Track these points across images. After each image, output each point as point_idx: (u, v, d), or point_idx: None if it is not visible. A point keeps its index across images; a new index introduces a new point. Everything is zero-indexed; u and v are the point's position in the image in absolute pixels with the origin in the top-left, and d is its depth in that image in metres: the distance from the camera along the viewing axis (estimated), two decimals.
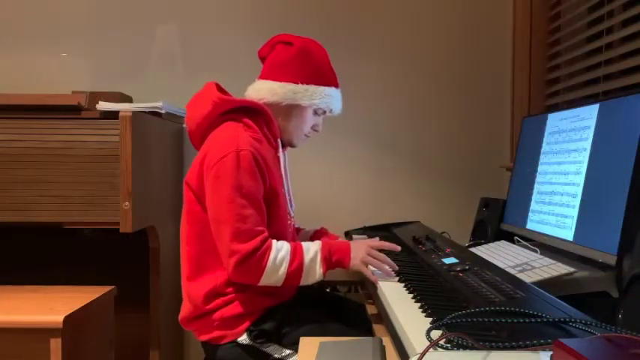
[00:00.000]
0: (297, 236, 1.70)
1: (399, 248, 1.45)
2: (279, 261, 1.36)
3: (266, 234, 1.38)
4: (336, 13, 2.33)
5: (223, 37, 2.33)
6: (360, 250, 1.40)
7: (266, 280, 1.36)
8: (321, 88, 1.51)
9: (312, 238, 1.72)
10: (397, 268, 1.36)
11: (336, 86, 1.57)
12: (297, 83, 1.49)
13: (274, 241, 1.38)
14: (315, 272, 1.39)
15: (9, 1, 2.33)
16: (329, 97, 1.53)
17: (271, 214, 1.44)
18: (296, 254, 1.38)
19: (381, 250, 1.41)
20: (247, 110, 1.48)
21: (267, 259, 1.35)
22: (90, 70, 2.33)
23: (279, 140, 1.54)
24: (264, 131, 1.49)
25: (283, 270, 1.36)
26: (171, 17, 2.34)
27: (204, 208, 1.42)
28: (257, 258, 1.34)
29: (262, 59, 1.59)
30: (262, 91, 1.51)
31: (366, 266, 1.37)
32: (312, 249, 1.41)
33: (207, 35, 2.33)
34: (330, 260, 1.40)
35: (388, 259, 1.37)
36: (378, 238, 1.52)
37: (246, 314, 1.41)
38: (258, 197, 1.39)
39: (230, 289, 1.42)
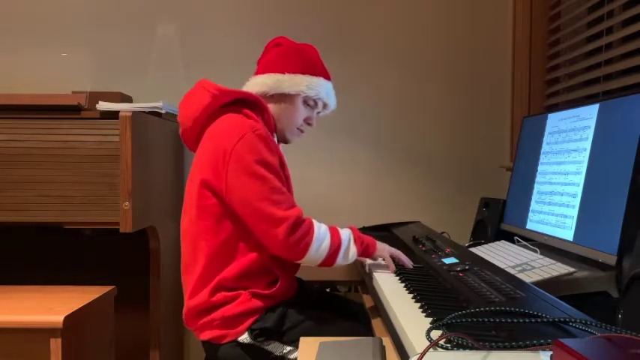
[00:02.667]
0: None
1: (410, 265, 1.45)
2: (322, 234, 1.38)
3: None
4: (336, 14, 2.33)
5: (223, 38, 2.33)
6: (384, 244, 1.49)
7: (312, 254, 1.36)
8: (308, 77, 1.52)
9: None
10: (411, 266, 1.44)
11: (326, 78, 1.57)
12: (283, 73, 1.51)
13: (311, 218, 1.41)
14: (350, 250, 1.42)
15: (9, 1, 2.33)
16: (317, 87, 1.53)
17: None
18: (334, 229, 1.41)
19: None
20: (244, 102, 1.48)
21: (314, 229, 1.36)
22: (90, 70, 2.33)
23: (275, 133, 1.55)
24: (263, 123, 1.49)
25: (327, 243, 1.37)
26: (172, 17, 2.34)
27: (220, 201, 1.40)
28: (304, 227, 1.35)
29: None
30: (249, 85, 1.55)
31: (389, 255, 1.44)
32: (344, 229, 1.45)
33: (207, 35, 2.33)
34: (362, 241, 1.44)
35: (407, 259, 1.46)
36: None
37: (247, 313, 1.41)
38: (281, 174, 1.42)
39: (235, 285, 1.42)
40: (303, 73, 1.52)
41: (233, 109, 1.46)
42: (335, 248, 1.39)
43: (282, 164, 1.47)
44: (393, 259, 1.45)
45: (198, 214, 1.44)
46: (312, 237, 1.36)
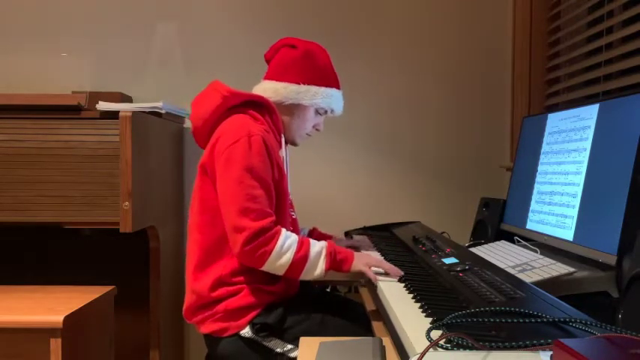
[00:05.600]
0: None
1: (401, 273, 1.34)
2: (286, 247, 1.38)
3: (274, 218, 1.40)
4: (335, 13, 2.33)
5: (223, 37, 2.33)
6: (364, 256, 1.45)
7: (270, 264, 1.37)
8: (323, 88, 1.57)
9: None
10: (402, 273, 1.33)
11: (338, 87, 1.62)
12: (300, 84, 1.55)
13: (283, 229, 1.41)
14: (317, 266, 1.41)
15: (10, 1, 2.33)
16: (330, 98, 1.59)
17: (276, 204, 1.47)
18: (303, 245, 1.41)
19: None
20: (254, 104, 1.53)
21: (276, 241, 1.36)
22: (90, 70, 2.33)
23: (282, 135, 1.59)
24: (270, 125, 1.54)
25: (288, 257, 1.37)
26: (172, 17, 2.34)
27: (216, 194, 1.45)
28: (266, 238, 1.36)
29: (268, 62, 1.64)
30: (267, 91, 1.57)
31: (369, 267, 1.39)
32: (318, 244, 1.43)
33: (207, 35, 2.33)
34: (335, 258, 1.42)
35: (394, 267, 1.36)
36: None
37: (250, 307, 1.43)
38: (268, 180, 1.42)
39: (236, 279, 1.44)
40: (319, 84, 1.56)
41: (242, 111, 1.51)
42: (298, 263, 1.38)
43: (279, 168, 1.48)
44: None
45: (199, 207, 1.50)
46: (272, 248, 1.36)
